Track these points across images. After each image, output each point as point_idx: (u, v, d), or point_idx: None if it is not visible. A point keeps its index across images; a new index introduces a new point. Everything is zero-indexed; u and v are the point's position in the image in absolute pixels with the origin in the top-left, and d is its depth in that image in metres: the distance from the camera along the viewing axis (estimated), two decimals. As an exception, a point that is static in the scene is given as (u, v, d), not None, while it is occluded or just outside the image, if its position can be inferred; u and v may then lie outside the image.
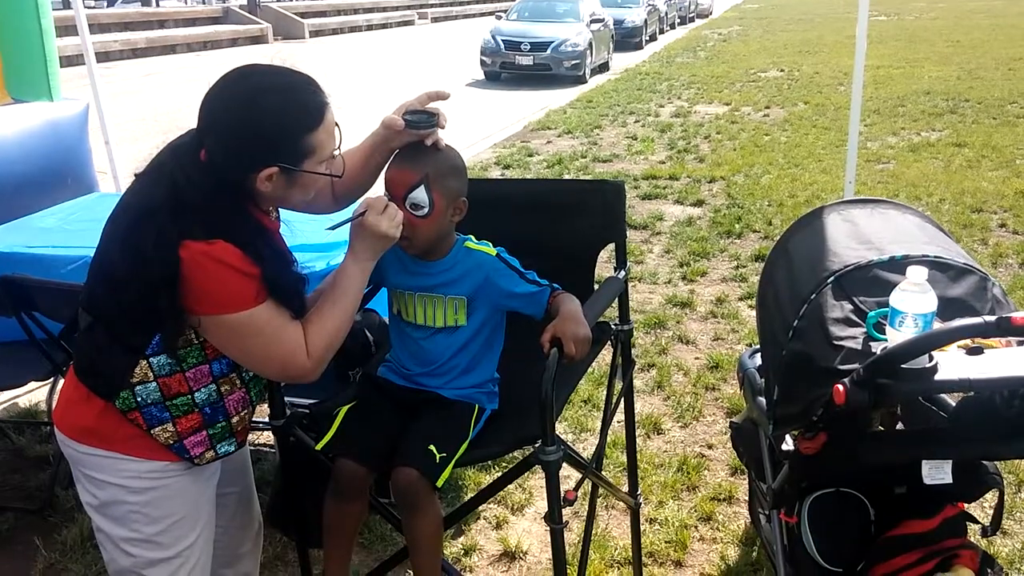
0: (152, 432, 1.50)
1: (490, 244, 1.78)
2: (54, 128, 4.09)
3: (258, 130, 1.41)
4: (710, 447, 3.03)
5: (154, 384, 1.48)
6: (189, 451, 1.54)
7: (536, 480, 2.77)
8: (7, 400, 3.51)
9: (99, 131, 4.53)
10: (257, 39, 23.02)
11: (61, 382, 3.11)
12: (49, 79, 4.30)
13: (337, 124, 1.50)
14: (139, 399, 1.48)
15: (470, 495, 2.73)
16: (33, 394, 3.51)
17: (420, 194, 1.62)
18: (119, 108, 10.62)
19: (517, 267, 1.76)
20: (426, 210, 1.63)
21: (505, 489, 2.70)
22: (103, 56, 16.85)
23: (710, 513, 2.63)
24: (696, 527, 2.58)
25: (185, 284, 1.38)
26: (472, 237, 1.79)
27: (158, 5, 30.15)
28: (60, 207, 3.58)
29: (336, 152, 1.52)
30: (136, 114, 10.50)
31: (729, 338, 3.96)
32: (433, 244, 1.71)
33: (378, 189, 1.72)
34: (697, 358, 3.76)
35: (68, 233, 3.17)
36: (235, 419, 1.59)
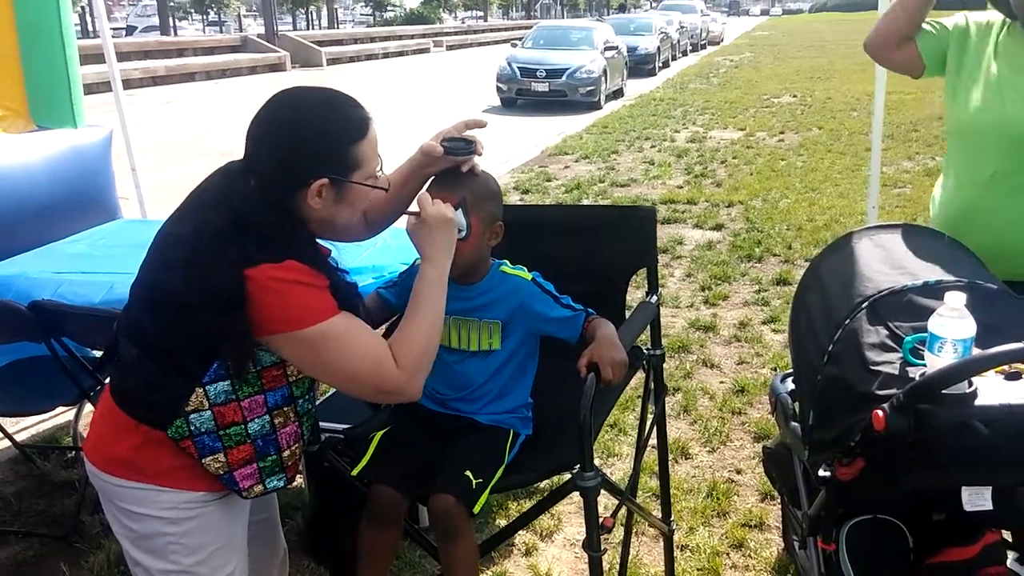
0: (203, 462, 1.49)
1: (525, 269, 1.79)
2: (78, 155, 4.14)
3: (306, 141, 1.43)
4: (739, 472, 3.01)
5: (208, 412, 1.46)
6: (238, 483, 1.52)
7: (564, 506, 2.76)
8: (32, 425, 3.52)
9: (122, 157, 4.58)
10: (275, 67, 23.35)
11: (88, 407, 3.16)
12: (73, 106, 4.37)
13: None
14: (193, 427, 1.46)
15: (499, 521, 2.72)
16: (58, 418, 3.53)
17: (459, 217, 1.63)
18: (139, 135, 10.68)
19: (552, 292, 1.77)
20: (464, 233, 1.64)
21: (533, 515, 2.69)
22: (123, 84, 17.11)
23: (742, 540, 2.60)
24: (728, 554, 2.56)
25: (256, 307, 1.38)
26: (507, 262, 1.80)
27: (176, 34, 30.68)
28: (87, 233, 3.63)
29: (379, 171, 1.54)
30: (156, 141, 10.63)
31: (754, 362, 3.94)
32: (470, 267, 1.73)
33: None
34: (722, 382, 3.75)
35: (96, 259, 3.20)
36: (286, 453, 1.57)
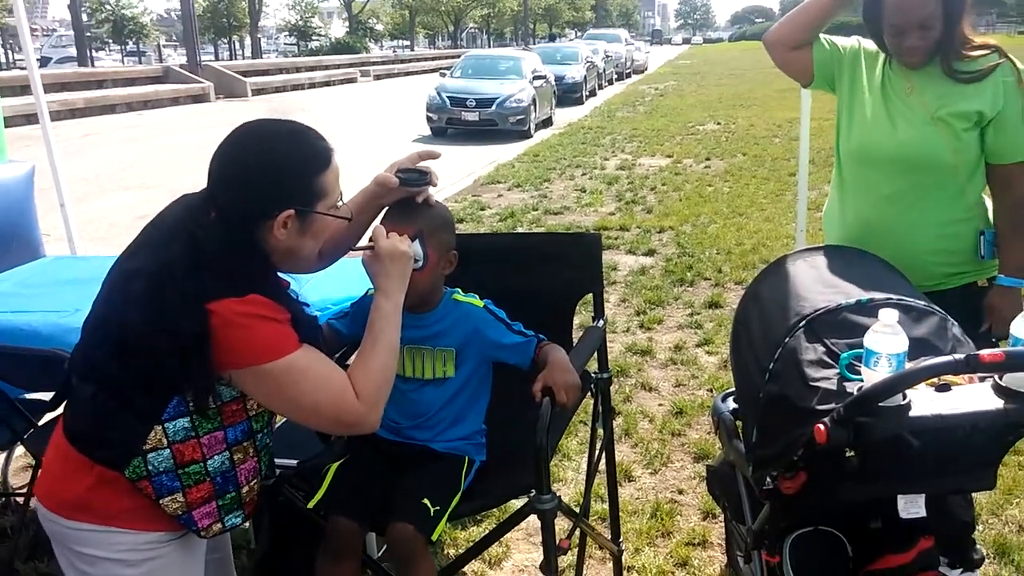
0: (161, 502, 1.45)
1: (477, 296, 1.83)
2: (1, 191, 4.01)
3: (273, 172, 1.44)
4: (681, 492, 3.07)
5: (167, 451, 1.44)
6: (197, 523, 1.50)
7: (513, 532, 2.76)
8: (-44, 472, 3.36)
9: (44, 192, 4.43)
10: (199, 98, 22.95)
11: (19, 450, 3.03)
12: (-5, 141, 4.23)
13: None
14: (151, 467, 1.43)
15: (448, 550, 2.72)
16: (-16, 464, 3.37)
17: (415, 247, 1.65)
18: (59, 169, 10.38)
19: (504, 318, 1.81)
20: (421, 263, 1.67)
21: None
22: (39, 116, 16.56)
23: (686, 558, 2.66)
24: (673, 573, 2.61)
25: (219, 342, 1.37)
26: (460, 290, 1.83)
27: (94, 65, 29.86)
28: (13, 272, 3.50)
29: (340, 201, 1.56)
30: (77, 175, 10.30)
31: (690, 384, 4.04)
32: (425, 296, 1.75)
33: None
34: (661, 404, 3.83)
35: (26, 298, 3.10)
36: (245, 489, 1.55)
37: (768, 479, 1.94)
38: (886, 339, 1.54)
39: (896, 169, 2.19)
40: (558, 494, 2.97)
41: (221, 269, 1.39)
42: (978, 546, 2.49)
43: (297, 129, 1.51)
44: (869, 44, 2.29)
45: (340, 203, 1.55)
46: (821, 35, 2.30)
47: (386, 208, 1.72)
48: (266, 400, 1.48)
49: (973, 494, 2.83)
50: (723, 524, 2.70)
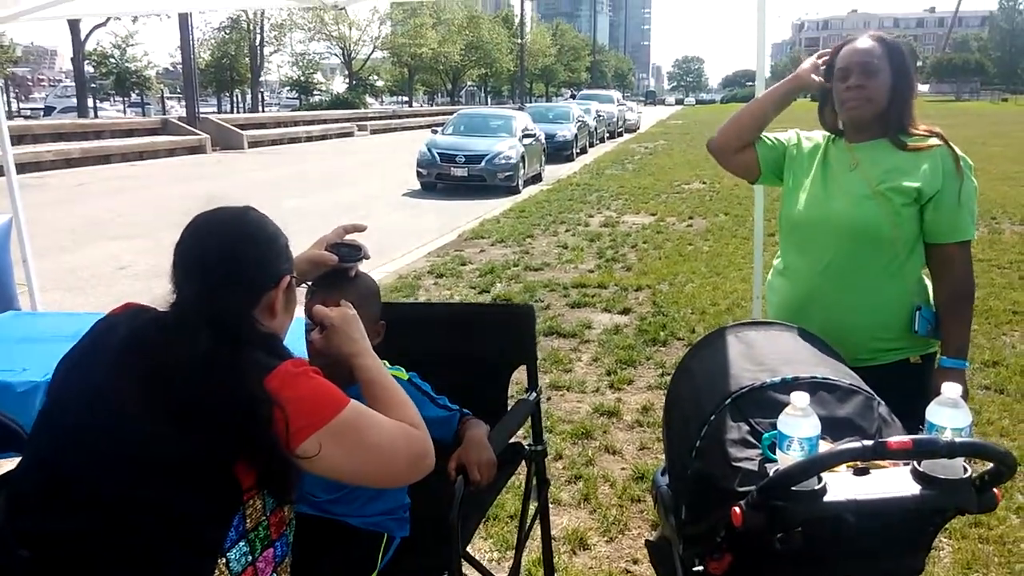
0: None
1: (403, 369, 1.82)
2: (-25, 241, 4.03)
3: (268, 241, 1.44)
4: (635, 562, 3.03)
5: None
6: None
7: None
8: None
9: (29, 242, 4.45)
10: (195, 149, 23.21)
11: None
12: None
13: None
14: None
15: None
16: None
17: None
18: (49, 217, 10.50)
19: (429, 392, 1.80)
20: None
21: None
22: (34, 166, 16.75)
23: (633, 633, 2.60)
24: (619, 649, 2.55)
25: (291, 409, 1.25)
26: (386, 362, 1.82)
27: (97, 115, 30.28)
28: (-28, 327, 3.50)
29: None
30: (65, 224, 10.37)
31: (655, 447, 4.00)
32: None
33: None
34: (623, 468, 3.79)
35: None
36: None
37: (697, 559, 1.91)
38: (797, 422, 1.53)
39: (834, 241, 2.23)
40: (511, 562, 2.95)
41: (262, 342, 1.33)
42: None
43: (252, 208, 1.50)
44: (809, 133, 2.37)
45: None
46: (761, 134, 2.38)
47: (309, 284, 1.72)
48: (347, 458, 1.32)
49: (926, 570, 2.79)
50: (671, 599, 2.65)
